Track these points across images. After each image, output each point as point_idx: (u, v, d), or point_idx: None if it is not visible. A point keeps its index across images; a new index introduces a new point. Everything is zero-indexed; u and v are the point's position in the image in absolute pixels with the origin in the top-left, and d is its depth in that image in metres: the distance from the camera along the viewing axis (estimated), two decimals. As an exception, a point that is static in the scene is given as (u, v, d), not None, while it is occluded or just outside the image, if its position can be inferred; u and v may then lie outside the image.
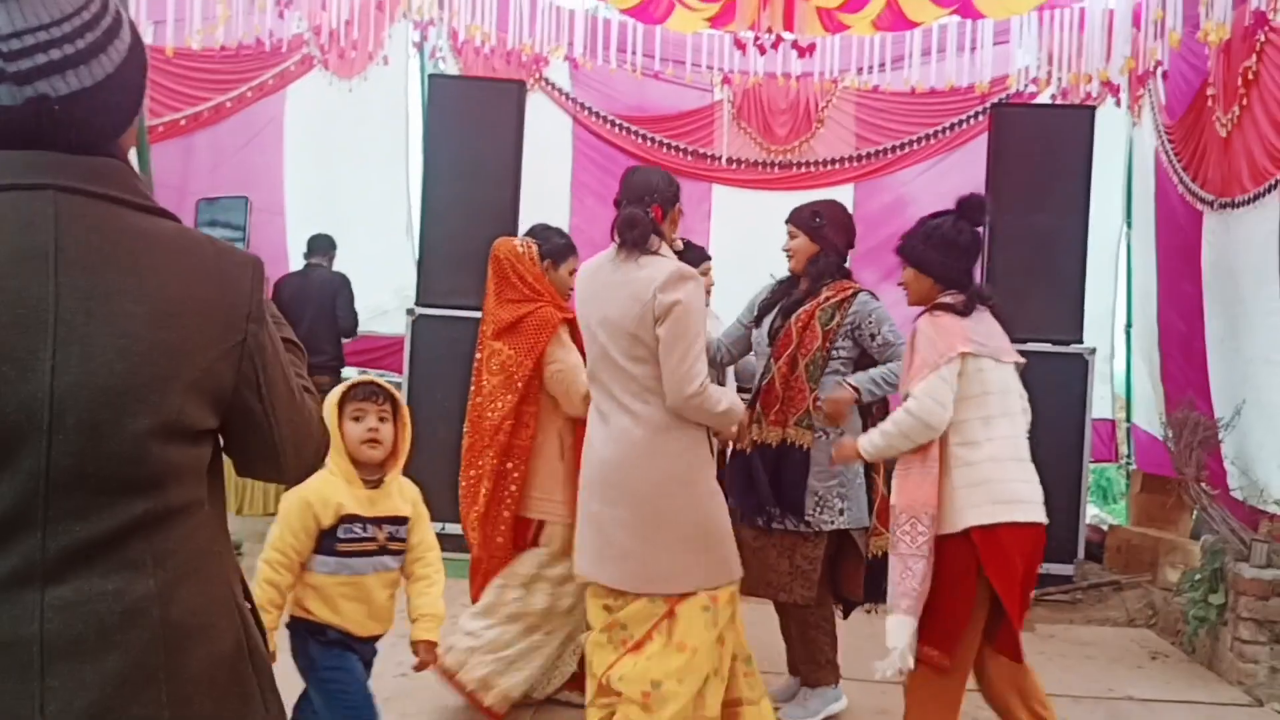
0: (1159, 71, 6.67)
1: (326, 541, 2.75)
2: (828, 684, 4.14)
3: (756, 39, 6.74)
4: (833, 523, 3.96)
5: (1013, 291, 5.48)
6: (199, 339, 1.31)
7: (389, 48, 7.96)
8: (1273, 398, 5.61)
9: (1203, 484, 5.60)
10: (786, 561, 3.99)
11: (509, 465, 3.81)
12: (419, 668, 2.96)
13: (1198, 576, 5.10)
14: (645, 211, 3.29)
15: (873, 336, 4.00)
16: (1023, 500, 3.21)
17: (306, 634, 2.84)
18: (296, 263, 8.43)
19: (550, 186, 8.25)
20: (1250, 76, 5.74)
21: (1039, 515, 3.23)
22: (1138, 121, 7.71)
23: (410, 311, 6.38)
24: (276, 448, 1.45)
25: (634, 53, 7.69)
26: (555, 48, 7.64)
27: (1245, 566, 4.79)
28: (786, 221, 4.27)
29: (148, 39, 7.31)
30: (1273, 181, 5.58)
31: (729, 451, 4.32)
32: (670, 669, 3.20)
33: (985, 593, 3.16)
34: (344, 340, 7.52)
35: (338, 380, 6.91)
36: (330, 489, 2.77)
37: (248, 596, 1.48)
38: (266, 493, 7.00)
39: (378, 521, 2.82)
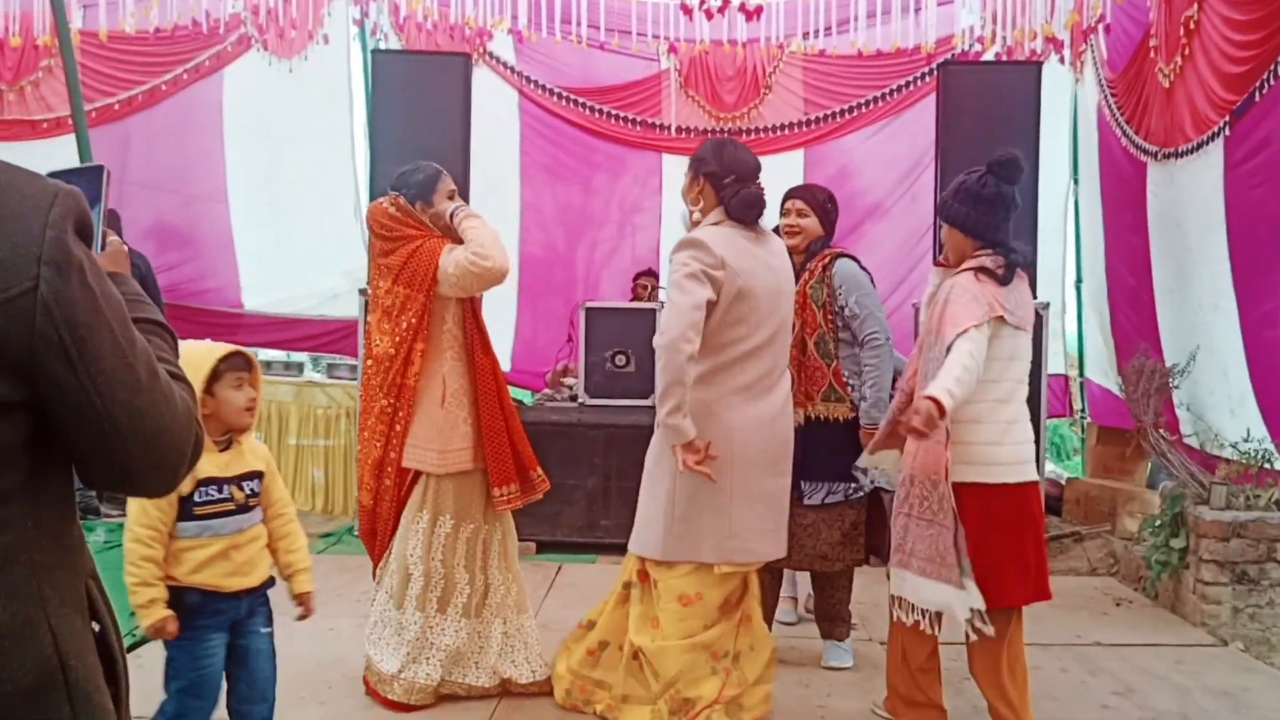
0: (1101, 25, 6.71)
1: (185, 507, 2.76)
2: (845, 637, 4.30)
3: (703, 4, 6.69)
4: (865, 489, 4.11)
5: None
6: None
7: (329, 26, 7.81)
8: (1222, 344, 5.70)
9: (1160, 430, 5.68)
10: (838, 532, 4.11)
11: (395, 404, 3.68)
12: (301, 618, 3.00)
13: (1158, 522, 5.17)
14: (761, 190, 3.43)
15: (843, 308, 4.07)
16: (1014, 462, 3.32)
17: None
18: (243, 248, 8.30)
19: (499, 161, 8.17)
20: (1192, 26, 5.79)
21: (1026, 475, 3.34)
22: (1080, 77, 7.77)
23: (363, 292, 6.29)
24: (110, 441, 1.17)
25: (579, 24, 7.59)
26: (499, 21, 7.53)
27: (1205, 509, 4.86)
28: (794, 197, 4.24)
29: (79, 23, 7.16)
30: (1215, 129, 5.64)
31: None
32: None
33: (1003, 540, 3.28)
34: None
35: None
36: None
37: (96, 615, 1.25)
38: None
39: (235, 480, 2.86)
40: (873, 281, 4.29)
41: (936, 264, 3.64)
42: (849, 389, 4.12)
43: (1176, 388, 5.92)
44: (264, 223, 8.29)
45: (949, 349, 3.18)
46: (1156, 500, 5.56)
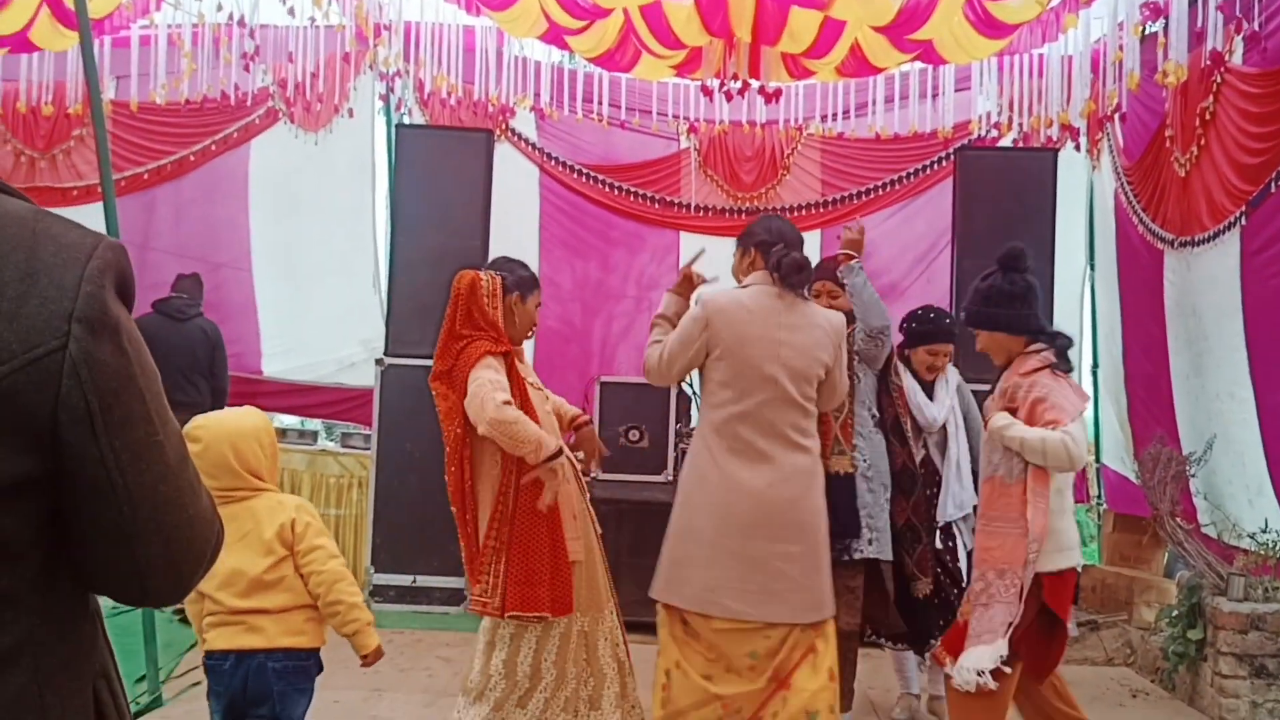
0: (1117, 115, 6.79)
1: None
2: (844, 710, 4.20)
3: (723, 85, 6.80)
4: (862, 551, 4.08)
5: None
6: None
7: (354, 100, 7.96)
8: (1239, 433, 5.66)
9: (1177, 519, 5.62)
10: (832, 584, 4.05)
11: (461, 511, 3.55)
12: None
13: (1175, 612, 5.09)
14: (807, 259, 3.50)
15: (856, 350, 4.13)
16: (1075, 546, 3.44)
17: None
18: (267, 317, 8.38)
19: (518, 236, 8.24)
20: (1208, 117, 5.85)
21: (1080, 559, 3.46)
22: (1096, 165, 7.83)
23: (379, 362, 6.34)
24: (126, 530, 1.02)
25: (600, 102, 7.73)
26: (521, 98, 7.67)
27: (1224, 600, 4.79)
28: (822, 279, 4.29)
29: (111, 93, 7.32)
30: (1232, 219, 5.67)
31: None
32: (823, 698, 3.35)
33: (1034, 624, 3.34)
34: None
35: None
36: None
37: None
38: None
39: None
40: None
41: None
42: (855, 445, 4.13)
43: (1193, 476, 5.87)
44: (285, 291, 8.39)
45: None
46: (1174, 589, 5.48)
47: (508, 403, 3.34)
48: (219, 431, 2.80)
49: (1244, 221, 5.57)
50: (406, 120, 8.10)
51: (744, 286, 3.54)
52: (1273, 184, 5.30)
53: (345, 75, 7.81)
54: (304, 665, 2.81)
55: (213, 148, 8.18)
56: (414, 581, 6.24)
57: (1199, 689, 4.94)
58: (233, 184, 8.33)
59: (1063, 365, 3.39)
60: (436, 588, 6.24)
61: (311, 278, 8.35)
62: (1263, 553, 5.08)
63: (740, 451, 3.39)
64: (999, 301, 3.42)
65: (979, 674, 3.23)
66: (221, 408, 7.04)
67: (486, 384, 3.36)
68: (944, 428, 4.55)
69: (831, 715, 3.36)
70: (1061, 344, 3.42)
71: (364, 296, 8.32)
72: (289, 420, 8.54)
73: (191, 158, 8.16)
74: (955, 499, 4.43)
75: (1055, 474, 3.33)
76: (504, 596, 3.40)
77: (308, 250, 8.35)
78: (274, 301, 8.40)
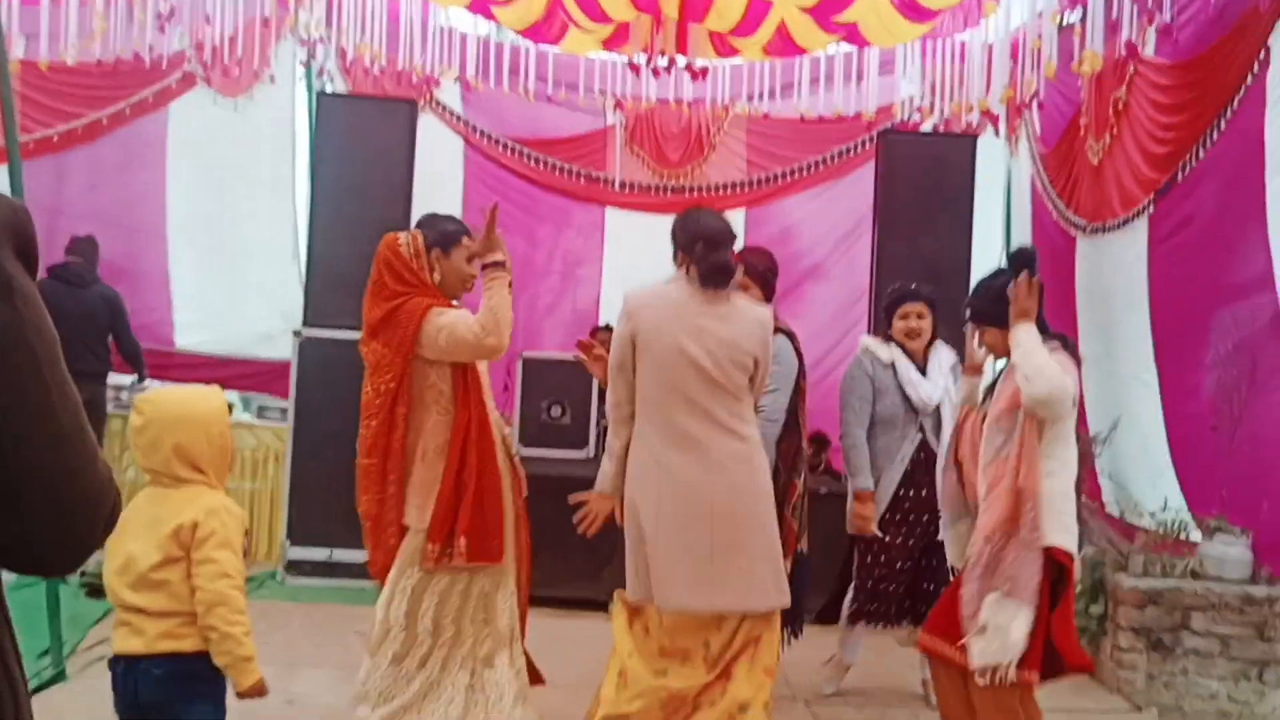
0: (1035, 102, 6.92)
1: None
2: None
3: (650, 61, 6.79)
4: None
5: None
6: None
7: (275, 66, 7.80)
8: (1144, 416, 5.84)
9: (1083, 498, 5.77)
10: None
11: (383, 465, 3.56)
12: None
13: (1079, 588, 5.24)
14: (730, 257, 3.50)
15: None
16: (1075, 532, 3.35)
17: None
18: (181, 288, 8.19)
19: (441, 208, 8.13)
20: (1120, 106, 5.99)
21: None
22: (1015, 151, 7.99)
23: (297, 334, 6.24)
24: (16, 496, 0.98)
25: (526, 76, 7.69)
26: (447, 69, 7.59)
27: (1124, 577, 4.95)
28: (747, 274, 4.15)
29: (20, 52, 7.08)
30: (1141, 207, 5.83)
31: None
32: (759, 693, 3.35)
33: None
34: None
35: (102, 392, 6.61)
36: None
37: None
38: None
39: None
40: (801, 364, 4.29)
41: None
42: None
43: (1099, 456, 6.03)
44: (201, 260, 8.20)
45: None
46: (1078, 565, 5.64)
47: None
48: (165, 411, 2.59)
49: (1152, 209, 5.73)
50: (329, 88, 7.97)
51: (663, 283, 3.54)
52: (1180, 173, 5.46)
53: (265, 40, 7.64)
54: (191, 670, 2.56)
55: (127, 111, 7.94)
56: (330, 556, 6.18)
57: (1100, 662, 5.09)
58: (150, 150, 8.10)
59: (1073, 352, 3.38)
60: (354, 562, 6.17)
61: (229, 248, 8.18)
62: (1162, 531, 5.26)
63: (675, 442, 3.38)
64: (1006, 300, 3.38)
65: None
66: (141, 375, 6.92)
67: (451, 321, 3.45)
68: (939, 412, 4.56)
69: (764, 711, 3.35)
70: (1068, 343, 3.43)
71: (283, 268, 8.18)
72: (205, 392, 8.36)
73: (104, 121, 7.90)
74: None
75: (1068, 459, 3.31)
76: (469, 548, 3.48)
77: (226, 219, 8.17)
78: (190, 272, 8.21)
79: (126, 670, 2.56)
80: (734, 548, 3.37)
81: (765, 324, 3.53)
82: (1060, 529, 3.23)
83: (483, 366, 3.70)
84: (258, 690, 2.61)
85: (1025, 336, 3.29)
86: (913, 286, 4.73)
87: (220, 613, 2.52)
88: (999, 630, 3.19)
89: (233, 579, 2.56)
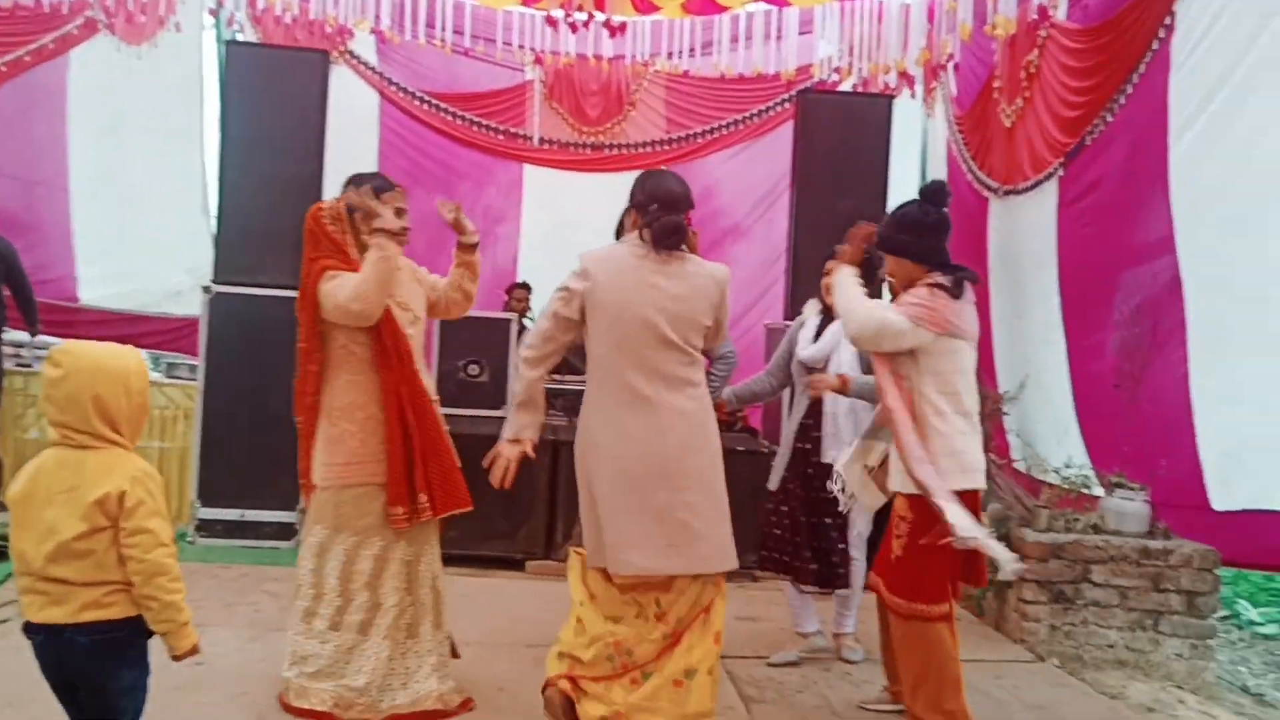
0: (951, 64, 6.99)
1: None
2: None
3: (568, 16, 6.72)
4: None
5: (814, 273, 5.64)
6: None
7: (181, 13, 7.57)
8: (1050, 375, 5.99)
9: (991, 454, 5.92)
10: None
11: (306, 422, 3.69)
12: None
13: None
14: (683, 219, 3.47)
15: None
16: (979, 469, 3.46)
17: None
18: (82, 243, 7.95)
19: (357, 163, 7.98)
20: (1032, 70, 6.09)
21: (984, 481, 3.50)
22: (931, 113, 8.08)
23: (207, 289, 6.09)
24: None
25: (443, 28, 7.55)
26: (360, 20, 7.42)
27: (1029, 531, 5.09)
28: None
29: (-94, -7, 6.75)
30: (1051, 169, 5.94)
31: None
32: (706, 659, 3.37)
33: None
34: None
35: None
36: None
37: None
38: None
39: None
40: None
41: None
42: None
43: (1007, 414, 6.18)
44: (106, 214, 7.97)
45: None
46: (985, 519, 5.79)
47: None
48: (83, 364, 2.49)
49: (1062, 173, 5.84)
50: (239, 38, 7.74)
51: (613, 244, 3.56)
52: (1088, 137, 5.57)
53: (171, -14, 7.40)
54: (117, 637, 2.52)
55: (26, 58, 7.65)
56: (242, 516, 6.08)
57: (1004, 614, 5.24)
58: (50, 98, 7.82)
59: (949, 288, 3.43)
60: (265, 522, 6.10)
61: (136, 201, 7.95)
62: (1066, 487, 5.41)
63: (627, 402, 3.38)
64: (910, 230, 3.49)
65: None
66: (34, 324, 6.68)
67: (334, 286, 3.54)
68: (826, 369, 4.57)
69: (709, 677, 3.39)
70: (963, 275, 3.49)
71: (192, 222, 7.97)
72: (112, 350, 8.14)
73: (2, 68, 7.60)
74: (833, 442, 4.48)
75: (963, 395, 3.41)
76: (433, 502, 3.64)
77: (132, 172, 7.95)
78: (94, 225, 7.97)
79: (47, 639, 2.49)
80: (686, 509, 3.38)
81: (721, 281, 3.54)
82: (917, 460, 3.32)
83: (412, 330, 3.73)
84: (193, 652, 2.59)
85: (840, 278, 3.59)
86: (835, 248, 4.79)
87: (160, 582, 2.50)
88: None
89: (169, 547, 2.53)
